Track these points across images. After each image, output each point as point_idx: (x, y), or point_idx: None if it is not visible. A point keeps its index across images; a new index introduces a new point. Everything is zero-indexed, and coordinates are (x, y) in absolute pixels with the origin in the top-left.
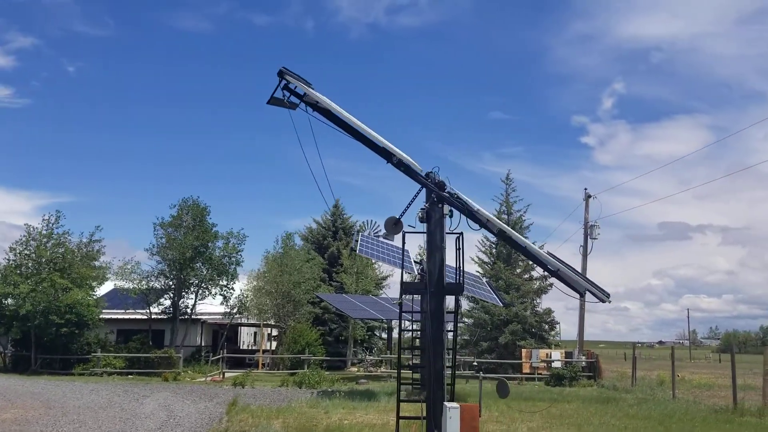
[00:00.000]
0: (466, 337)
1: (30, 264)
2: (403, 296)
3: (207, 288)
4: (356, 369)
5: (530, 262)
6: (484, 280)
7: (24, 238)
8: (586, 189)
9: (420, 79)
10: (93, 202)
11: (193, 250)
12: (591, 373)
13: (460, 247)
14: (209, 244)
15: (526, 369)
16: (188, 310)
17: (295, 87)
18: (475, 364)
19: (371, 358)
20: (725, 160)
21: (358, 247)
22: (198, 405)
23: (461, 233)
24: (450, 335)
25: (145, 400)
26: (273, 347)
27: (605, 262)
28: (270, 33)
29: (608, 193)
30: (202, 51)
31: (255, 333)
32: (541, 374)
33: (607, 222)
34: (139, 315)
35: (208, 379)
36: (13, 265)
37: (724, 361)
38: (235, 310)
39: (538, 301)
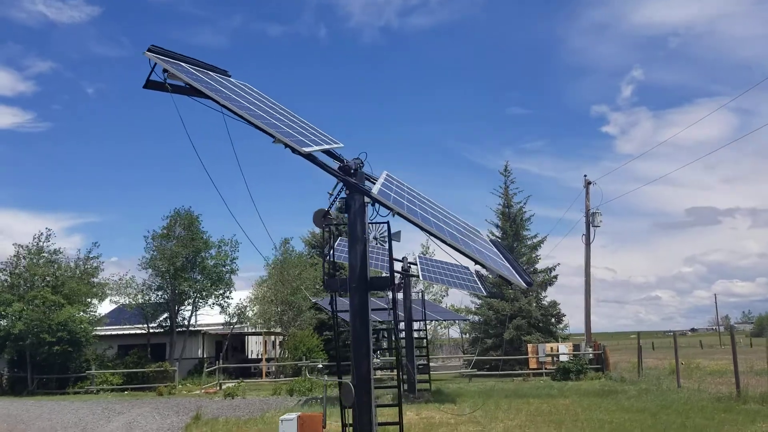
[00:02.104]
0: (470, 335)
1: (22, 283)
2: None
3: (203, 299)
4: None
5: (533, 255)
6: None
7: (14, 258)
8: (585, 176)
9: (436, 78)
10: (116, 221)
11: (184, 259)
12: (599, 365)
13: (389, 236)
14: (202, 253)
15: (532, 364)
16: (186, 322)
17: (172, 67)
18: (320, 366)
19: (376, 361)
20: (751, 144)
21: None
22: (167, 420)
23: (387, 222)
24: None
25: (117, 418)
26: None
27: (634, 252)
28: (284, 42)
29: (633, 181)
30: (219, 64)
31: (265, 341)
32: (548, 369)
33: (634, 211)
34: (137, 330)
35: (203, 391)
36: (5, 285)
37: (757, 345)
38: (234, 320)
39: (543, 294)
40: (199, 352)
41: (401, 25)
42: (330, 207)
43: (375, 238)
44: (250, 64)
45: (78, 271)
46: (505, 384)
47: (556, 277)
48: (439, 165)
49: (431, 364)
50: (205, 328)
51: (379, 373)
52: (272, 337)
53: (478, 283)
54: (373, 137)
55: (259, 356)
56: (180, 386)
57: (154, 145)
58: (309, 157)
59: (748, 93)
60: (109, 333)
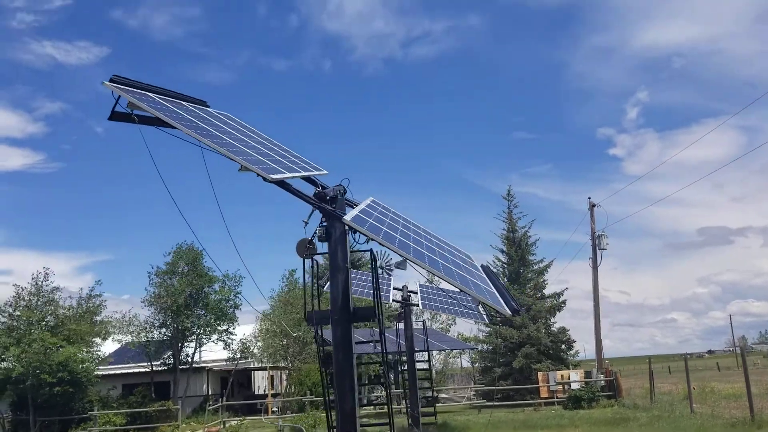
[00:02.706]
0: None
1: (21, 325)
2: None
3: (207, 335)
4: (372, 407)
5: (541, 280)
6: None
7: (13, 299)
8: (589, 198)
9: (440, 106)
10: (127, 259)
11: (187, 295)
12: (611, 392)
13: (374, 265)
14: (205, 289)
15: (544, 393)
16: (189, 359)
17: (133, 97)
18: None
19: (380, 395)
20: (759, 160)
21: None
22: None
23: (370, 249)
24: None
25: None
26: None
27: (646, 274)
28: (289, 77)
29: (642, 203)
30: (226, 100)
31: (272, 376)
32: (560, 397)
33: (645, 232)
34: (141, 368)
35: (206, 430)
36: (3, 328)
37: None
38: (238, 355)
39: (553, 320)
40: (204, 388)
41: (404, 56)
42: (313, 236)
43: (381, 267)
44: (257, 99)
45: (80, 310)
46: (515, 414)
47: (564, 302)
48: (446, 193)
49: (441, 395)
50: (209, 365)
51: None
52: (279, 372)
53: (481, 311)
54: (378, 167)
55: (266, 392)
56: (184, 425)
57: (160, 182)
58: (282, 184)
59: (754, 111)
60: (112, 372)
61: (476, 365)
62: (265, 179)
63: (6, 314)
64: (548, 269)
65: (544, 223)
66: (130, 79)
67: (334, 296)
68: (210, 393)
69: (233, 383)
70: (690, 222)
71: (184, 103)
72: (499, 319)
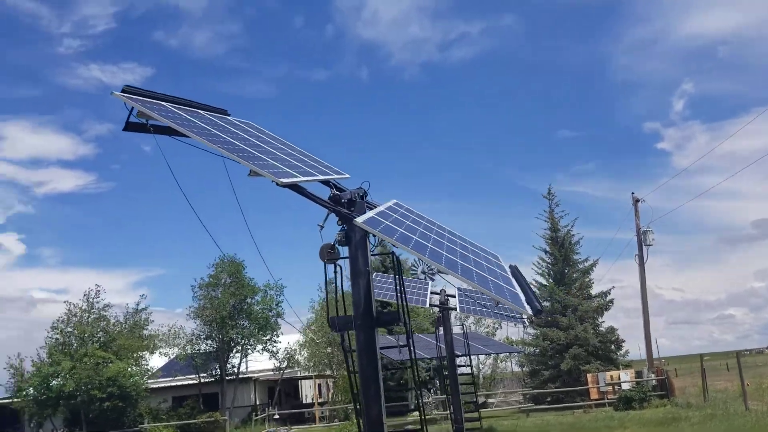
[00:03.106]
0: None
1: (73, 341)
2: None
3: (251, 345)
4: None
5: (586, 279)
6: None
7: (66, 316)
8: (633, 193)
9: (480, 108)
10: (179, 273)
11: (230, 307)
12: (663, 391)
13: (398, 268)
14: (248, 299)
15: (594, 395)
16: (235, 370)
17: (144, 106)
18: (276, 416)
19: (427, 400)
20: None
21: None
22: None
23: (392, 252)
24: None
25: None
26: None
27: (701, 270)
28: (328, 86)
29: (691, 197)
30: (266, 113)
31: (319, 385)
32: (610, 399)
33: (697, 227)
34: (189, 380)
35: None
36: (57, 344)
37: None
38: (284, 365)
39: (601, 320)
40: (252, 399)
41: (442, 60)
42: (336, 241)
43: (423, 273)
44: (297, 110)
45: (128, 325)
46: (564, 417)
47: (612, 301)
48: (492, 196)
49: (491, 400)
50: (256, 375)
51: (434, 412)
52: (326, 380)
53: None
54: (419, 171)
55: (313, 401)
56: None
57: (206, 196)
58: (296, 188)
59: None
60: (162, 385)
61: (524, 368)
62: (278, 184)
63: (58, 331)
64: (593, 268)
65: (595, 222)
66: (143, 89)
67: (356, 301)
68: (258, 403)
69: (280, 393)
70: (744, 215)
71: (201, 111)
72: (532, 320)
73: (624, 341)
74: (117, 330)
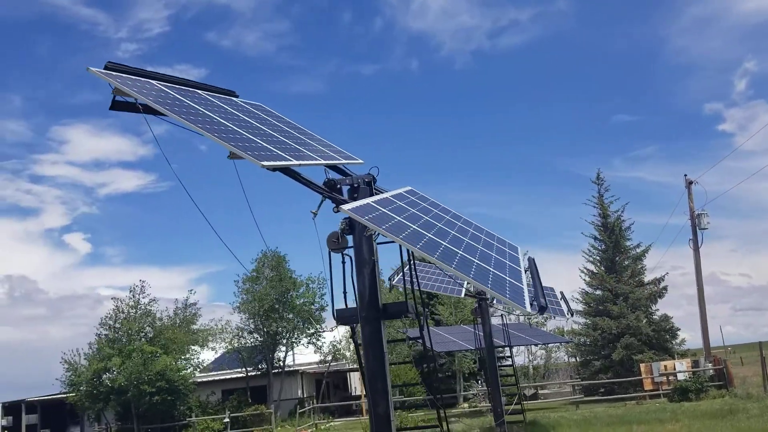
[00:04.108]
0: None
1: (122, 336)
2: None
3: (296, 338)
4: (467, 405)
5: (638, 266)
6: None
7: (114, 312)
8: (686, 175)
9: (534, 96)
10: (237, 268)
11: (273, 300)
12: (721, 381)
13: (411, 260)
14: (291, 293)
15: (648, 385)
16: (281, 363)
17: (123, 83)
18: (227, 420)
19: (473, 392)
20: None
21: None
22: None
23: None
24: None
25: None
26: None
27: None
28: (377, 80)
29: (759, 179)
30: (316, 109)
31: None
32: (665, 389)
33: (765, 210)
34: (237, 374)
35: None
36: (105, 340)
37: None
38: (329, 358)
39: (655, 308)
40: (299, 392)
41: (492, 48)
42: (340, 229)
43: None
44: (347, 105)
45: (177, 320)
46: (616, 409)
47: (665, 288)
48: (549, 185)
49: (543, 391)
50: (302, 368)
51: (481, 404)
52: None
53: (562, 305)
54: (473, 161)
55: (362, 393)
56: (279, 428)
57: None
58: (287, 171)
59: None
60: (212, 379)
61: (573, 359)
62: (261, 166)
63: (107, 327)
64: (646, 254)
65: (657, 208)
66: (128, 66)
67: (361, 292)
68: (305, 396)
69: (327, 385)
70: None
71: (200, 92)
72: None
73: (679, 329)
74: (164, 324)
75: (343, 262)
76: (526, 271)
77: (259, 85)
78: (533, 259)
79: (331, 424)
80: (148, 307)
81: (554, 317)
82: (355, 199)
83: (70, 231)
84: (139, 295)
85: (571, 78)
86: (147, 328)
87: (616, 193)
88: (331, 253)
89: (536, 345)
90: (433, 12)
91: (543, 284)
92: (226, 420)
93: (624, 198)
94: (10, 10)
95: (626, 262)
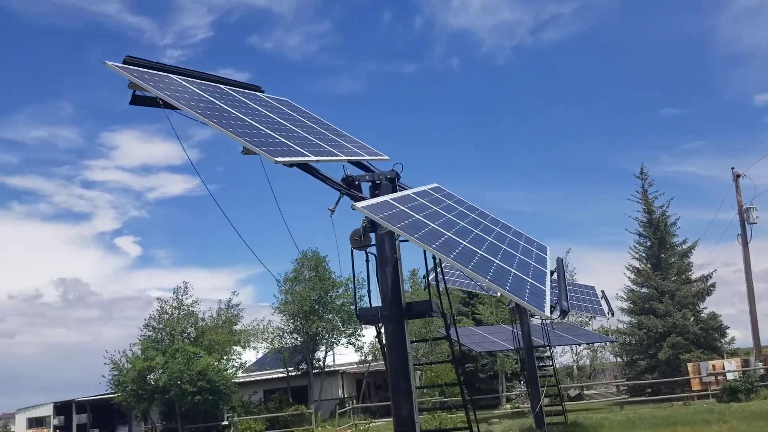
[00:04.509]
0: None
1: (165, 337)
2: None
3: (335, 339)
4: (509, 405)
5: (685, 262)
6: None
7: (157, 313)
8: (733, 168)
9: (577, 90)
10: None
11: (313, 300)
12: None
13: (437, 259)
14: (330, 293)
15: (695, 385)
16: (321, 363)
17: (140, 78)
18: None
19: (515, 393)
20: None
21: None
22: None
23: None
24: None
25: None
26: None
27: None
28: (418, 79)
29: None
30: (357, 109)
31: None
32: (714, 390)
33: None
34: (278, 374)
35: None
36: (149, 340)
37: None
38: (370, 358)
39: (702, 305)
40: (339, 392)
41: (534, 42)
42: (362, 226)
43: None
44: (387, 105)
45: (220, 320)
46: (661, 410)
47: (713, 285)
48: (593, 181)
49: (589, 391)
50: (343, 368)
51: (523, 405)
52: (418, 372)
53: (602, 304)
54: (514, 157)
55: None
56: (319, 429)
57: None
58: (304, 167)
59: None
60: (254, 379)
61: (618, 359)
62: (286, 164)
63: (151, 327)
64: (693, 251)
65: (702, 203)
66: (149, 61)
67: (383, 291)
68: (345, 396)
69: (369, 385)
70: None
71: (222, 86)
72: (613, 312)
73: (728, 328)
74: (206, 325)
75: (367, 261)
76: (553, 273)
77: (301, 87)
78: (561, 260)
79: (372, 424)
80: (190, 308)
81: (593, 317)
82: (376, 196)
83: (121, 234)
84: (182, 296)
85: (616, 71)
86: (190, 328)
87: (661, 188)
88: (354, 251)
89: (579, 345)
90: (473, 8)
91: (584, 283)
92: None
93: (670, 193)
94: (61, 20)
95: (672, 259)
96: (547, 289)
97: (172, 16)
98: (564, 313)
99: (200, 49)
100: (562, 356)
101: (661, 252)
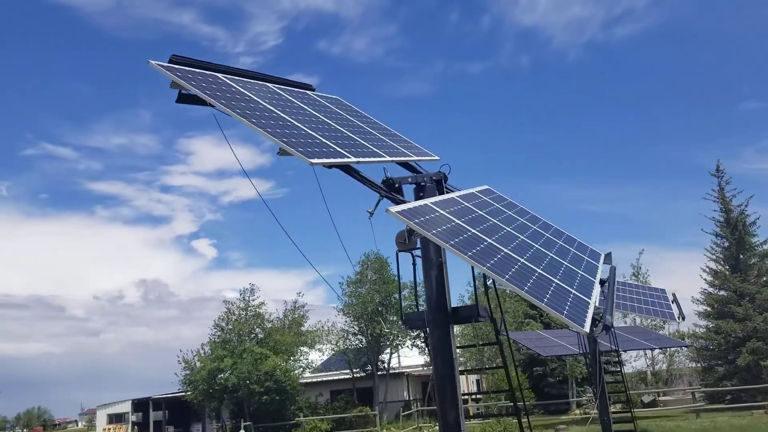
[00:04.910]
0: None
1: (233, 338)
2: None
3: (401, 340)
4: (579, 411)
5: (766, 264)
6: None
7: (225, 314)
8: None
9: (652, 86)
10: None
11: (377, 303)
12: None
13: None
14: (395, 295)
15: None
16: (386, 365)
17: (182, 76)
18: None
19: (586, 398)
20: None
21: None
22: None
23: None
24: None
25: None
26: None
27: None
28: (486, 78)
29: None
30: (425, 110)
31: (477, 380)
32: None
33: None
34: (344, 375)
35: None
36: (218, 341)
37: None
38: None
39: None
40: (404, 394)
41: (606, 38)
42: (406, 230)
43: None
44: (455, 105)
45: (286, 321)
46: (740, 419)
47: None
48: (672, 181)
49: (664, 398)
50: (408, 370)
51: (592, 411)
52: (487, 376)
53: (673, 308)
54: (585, 156)
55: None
56: (384, 431)
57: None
58: (346, 168)
59: None
60: (320, 380)
61: (694, 365)
62: (326, 165)
63: (219, 328)
64: None
65: None
66: (196, 60)
67: (428, 295)
68: (411, 398)
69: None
70: None
71: (270, 85)
72: (683, 317)
73: None
74: (273, 326)
75: (414, 264)
76: (604, 283)
77: (368, 90)
78: (614, 269)
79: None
80: (257, 309)
81: (664, 322)
82: (421, 198)
83: (198, 237)
84: (249, 297)
85: (692, 65)
86: (257, 329)
87: (739, 186)
88: (399, 254)
89: (651, 350)
90: (542, 5)
91: (655, 286)
92: None
93: (749, 191)
94: (140, 33)
95: (752, 260)
96: (593, 301)
97: (243, 24)
98: (606, 328)
99: (271, 56)
100: (636, 360)
101: (739, 253)
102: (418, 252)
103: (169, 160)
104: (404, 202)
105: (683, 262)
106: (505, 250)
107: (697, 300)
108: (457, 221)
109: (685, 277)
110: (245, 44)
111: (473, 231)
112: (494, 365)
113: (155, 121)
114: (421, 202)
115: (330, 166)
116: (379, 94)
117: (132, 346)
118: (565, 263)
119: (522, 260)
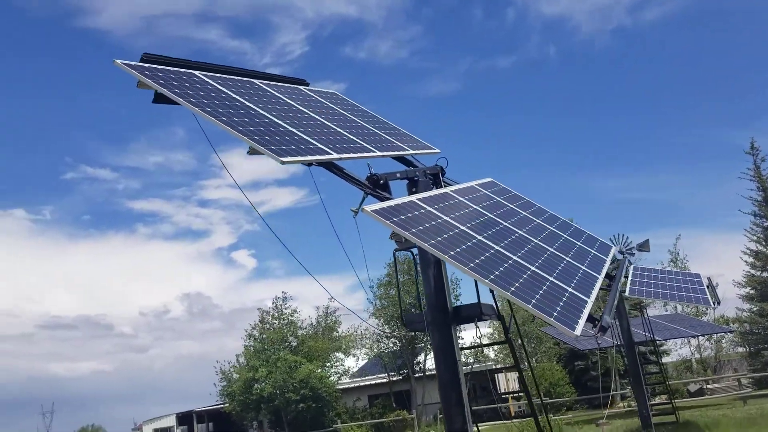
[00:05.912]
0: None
1: (267, 346)
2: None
3: None
4: (623, 404)
5: None
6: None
7: (258, 323)
8: None
9: (682, 70)
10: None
11: (407, 304)
12: None
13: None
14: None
15: None
16: (422, 367)
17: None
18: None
19: (628, 391)
20: None
21: None
22: None
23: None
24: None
25: None
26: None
27: None
28: (515, 71)
29: None
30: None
31: (519, 377)
32: None
33: None
34: (380, 379)
35: None
36: (252, 350)
37: None
38: (471, 360)
39: None
40: None
41: (634, 23)
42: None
43: (621, 251)
44: (485, 101)
45: (320, 328)
46: None
47: None
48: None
49: (712, 385)
50: None
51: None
52: (526, 373)
53: (707, 293)
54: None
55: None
56: None
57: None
58: (328, 165)
59: None
60: (357, 385)
61: (741, 350)
62: (305, 163)
63: (252, 338)
64: None
65: None
66: (170, 58)
67: (427, 295)
68: None
69: (474, 387)
70: None
71: (257, 81)
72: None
73: None
74: (306, 333)
75: (415, 263)
76: (613, 277)
77: (395, 92)
78: (624, 262)
79: (475, 429)
80: (290, 317)
81: (698, 308)
82: (413, 193)
83: (237, 248)
84: (281, 305)
85: (724, 49)
86: (290, 337)
87: (763, 163)
88: (397, 253)
89: (693, 337)
90: None
91: (696, 271)
92: None
93: (765, 167)
94: (169, 52)
95: None
96: (591, 300)
97: (269, 36)
98: (603, 330)
99: (297, 65)
100: (681, 348)
101: None
102: (416, 250)
103: (205, 174)
104: (389, 199)
105: (723, 244)
106: (496, 247)
107: (739, 283)
108: (445, 218)
109: (728, 260)
110: (272, 55)
111: (461, 228)
112: (524, 363)
113: (190, 138)
114: (406, 199)
115: (308, 163)
116: (406, 95)
117: (178, 360)
118: (567, 258)
119: (514, 258)
